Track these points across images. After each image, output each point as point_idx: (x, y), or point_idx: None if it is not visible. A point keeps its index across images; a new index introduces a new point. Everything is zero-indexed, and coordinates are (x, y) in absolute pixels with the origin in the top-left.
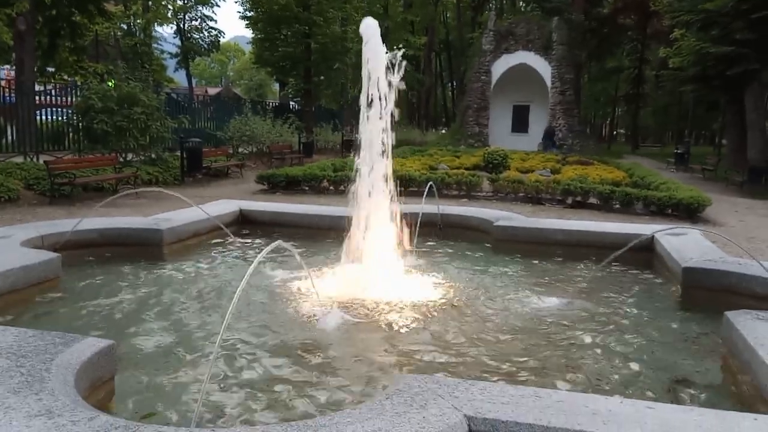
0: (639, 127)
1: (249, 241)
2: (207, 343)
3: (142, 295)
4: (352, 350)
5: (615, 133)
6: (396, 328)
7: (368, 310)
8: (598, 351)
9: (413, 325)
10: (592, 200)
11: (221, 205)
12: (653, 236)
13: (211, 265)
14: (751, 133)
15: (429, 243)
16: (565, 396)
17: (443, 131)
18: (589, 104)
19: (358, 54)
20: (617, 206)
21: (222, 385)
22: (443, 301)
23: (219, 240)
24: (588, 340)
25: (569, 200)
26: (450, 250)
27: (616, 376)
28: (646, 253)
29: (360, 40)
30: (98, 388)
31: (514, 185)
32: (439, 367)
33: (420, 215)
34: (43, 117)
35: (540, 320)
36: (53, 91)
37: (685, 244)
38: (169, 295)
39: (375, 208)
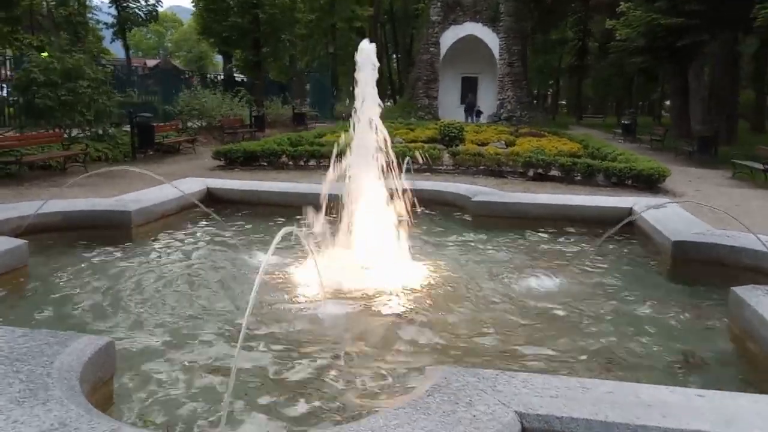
0: (582, 98)
1: (220, 221)
2: (195, 334)
3: (117, 283)
4: (358, 341)
5: (557, 104)
6: (397, 315)
7: (362, 297)
8: (607, 330)
9: (415, 312)
10: (554, 172)
11: (187, 184)
12: (632, 209)
13: (184, 248)
14: (693, 102)
15: (408, 219)
16: (612, 386)
17: (389, 104)
18: (534, 76)
19: (307, 25)
20: (578, 178)
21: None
22: (435, 283)
23: (189, 220)
24: (591, 319)
25: (531, 173)
26: (430, 228)
27: (636, 357)
28: (626, 226)
29: (309, 10)
30: (99, 389)
31: (475, 158)
32: (455, 355)
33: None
34: None
35: (541, 301)
36: None
37: (669, 217)
38: (146, 283)
39: (358, 187)
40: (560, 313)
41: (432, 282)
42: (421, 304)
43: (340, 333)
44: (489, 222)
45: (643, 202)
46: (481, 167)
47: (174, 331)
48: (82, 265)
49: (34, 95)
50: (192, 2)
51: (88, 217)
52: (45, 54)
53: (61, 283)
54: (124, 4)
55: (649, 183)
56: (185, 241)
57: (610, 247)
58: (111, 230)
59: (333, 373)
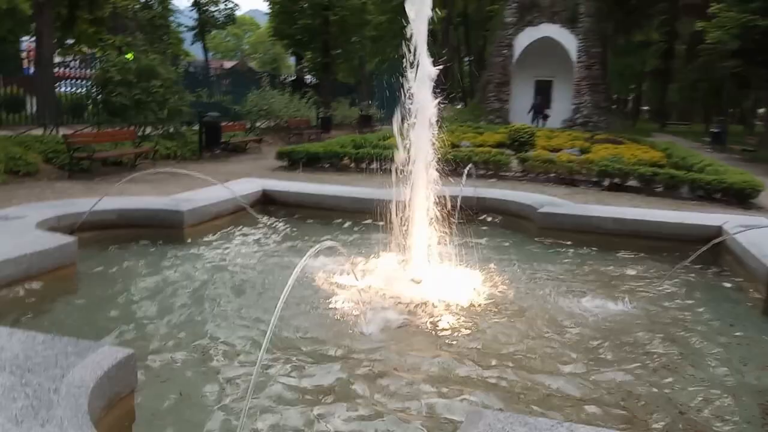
0: (666, 104)
1: (274, 224)
2: (239, 347)
3: (163, 286)
4: (402, 362)
5: (638, 109)
6: (446, 333)
7: (412, 310)
8: (678, 369)
9: (464, 330)
10: (632, 183)
11: (244, 185)
12: (722, 228)
13: (236, 252)
14: None
15: (467, 230)
16: None
17: (459, 107)
18: (613, 80)
19: (377, 27)
20: (659, 190)
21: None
22: (491, 301)
23: (242, 222)
24: (662, 353)
25: (606, 182)
26: (490, 239)
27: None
28: (714, 248)
29: (380, 12)
30: (115, 405)
31: (546, 165)
32: (505, 388)
33: (459, 199)
34: (63, 89)
35: (605, 329)
36: (73, 63)
37: (766, 240)
38: (192, 286)
39: (416, 192)
40: (627, 349)
41: (486, 301)
42: (472, 325)
43: (376, 353)
44: (556, 236)
45: (735, 220)
46: (552, 175)
47: (206, 342)
48: (130, 266)
49: (111, 94)
50: (267, 5)
51: (142, 215)
52: (130, 55)
53: (105, 284)
54: (205, 8)
55: (741, 198)
56: (235, 244)
57: (694, 270)
58: (163, 230)
59: (352, 409)
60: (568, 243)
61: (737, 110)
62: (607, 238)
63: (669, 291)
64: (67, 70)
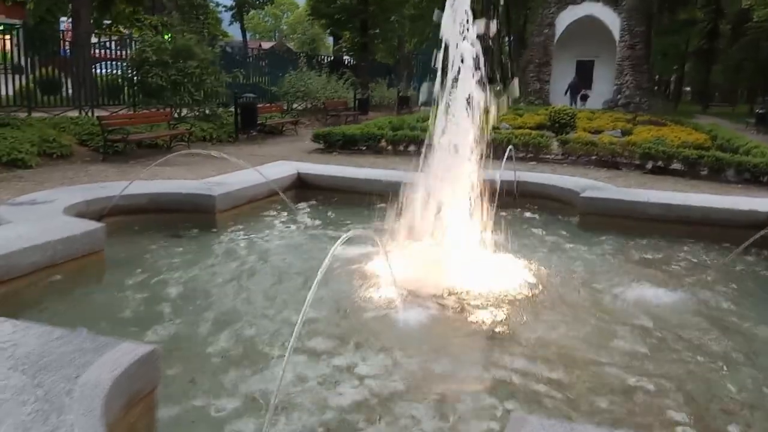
0: (709, 85)
1: (308, 209)
2: (269, 344)
3: (193, 275)
4: (441, 359)
5: (681, 91)
6: (488, 328)
7: (452, 302)
8: (743, 369)
9: (508, 324)
10: (675, 166)
11: (278, 167)
12: None
13: (269, 239)
14: None
15: (508, 214)
16: None
17: (498, 88)
18: (656, 60)
19: (416, 6)
20: (704, 173)
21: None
22: (534, 291)
23: (277, 207)
24: (721, 351)
25: (649, 165)
26: (531, 224)
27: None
28: (755, 230)
29: None
30: (135, 404)
31: (587, 147)
32: (552, 391)
33: (498, 183)
34: (100, 71)
35: (662, 322)
36: (109, 44)
37: None
38: (223, 276)
39: (452, 176)
40: (678, 344)
41: (529, 291)
42: (514, 318)
43: (412, 349)
44: (599, 221)
45: None
46: (593, 157)
47: (235, 339)
48: (159, 253)
49: (147, 74)
50: None
51: (173, 200)
52: (168, 35)
53: (133, 273)
54: None
55: None
56: (268, 230)
57: (747, 260)
58: (196, 214)
59: (388, 411)
60: (613, 229)
61: None
62: (652, 223)
63: (719, 280)
64: (105, 51)
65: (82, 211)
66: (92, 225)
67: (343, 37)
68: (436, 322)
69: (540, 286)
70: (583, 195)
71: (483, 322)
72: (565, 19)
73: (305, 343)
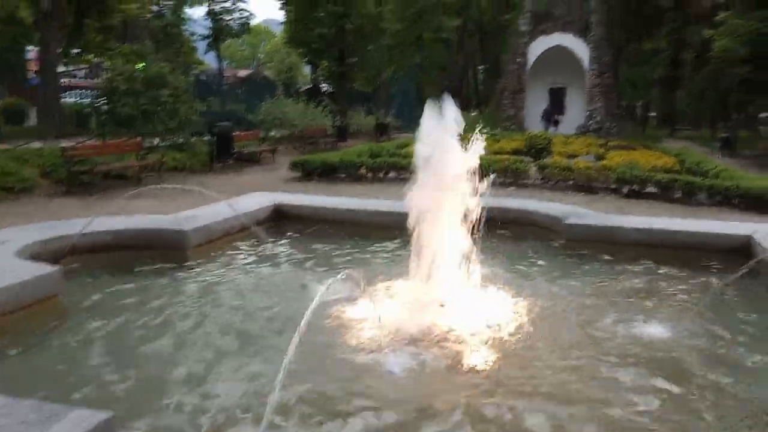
0: (674, 110)
1: (287, 242)
2: (242, 405)
3: (159, 322)
4: (429, 406)
5: (647, 116)
6: (475, 369)
7: (443, 345)
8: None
9: (495, 364)
10: (650, 189)
11: (254, 199)
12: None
13: (244, 278)
14: None
15: (492, 243)
16: None
17: (474, 114)
18: (624, 87)
19: (393, 35)
20: (678, 196)
21: None
22: (521, 327)
23: (253, 241)
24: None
25: (624, 189)
26: (516, 253)
27: None
28: (736, 254)
29: (396, 20)
30: None
31: (565, 173)
32: None
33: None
34: (69, 99)
35: (662, 358)
36: (80, 73)
37: None
38: (194, 321)
39: (437, 205)
40: (674, 386)
41: (517, 326)
42: (502, 357)
43: (398, 401)
44: (583, 247)
45: (764, 229)
46: (570, 182)
47: (203, 401)
48: (124, 296)
49: (117, 103)
50: (283, 14)
51: (141, 236)
52: (141, 64)
53: (92, 321)
54: (219, 17)
55: (760, 203)
56: (243, 269)
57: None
58: (166, 252)
59: None
60: (599, 256)
61: (742, 116)
62: (634, 248)
63: (710, 305)
64: (75, 79)
65: (37, 252)
66: (45, 268)
67: (320, 66)
68: (422, 370)
69: (524, 320)
70: (566, 222)
71: (463, 361)
72: (537, 48)
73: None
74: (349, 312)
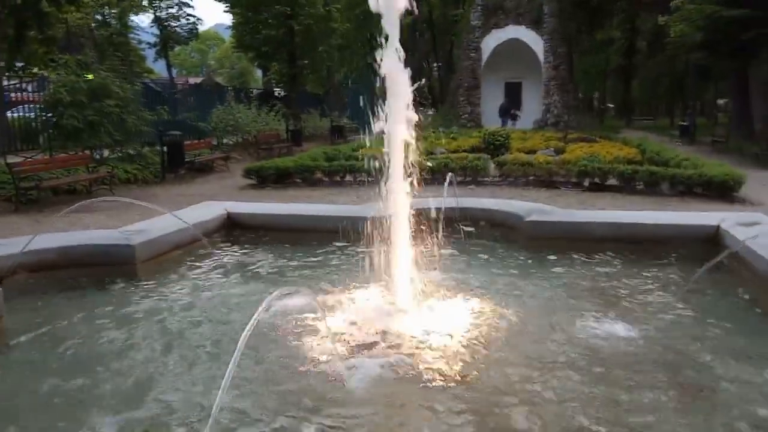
0: (630, 100)
1: (239, 252)
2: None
3: (102, 346)
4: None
5: (604, 107)
6: (436, 380)
7: (402, 353)
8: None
9: (458, 374)
10: (611, 181)
11: (205, 209)
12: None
13: (194, 292)
14: (756, 101)
15: (452, 244)
16: None
17: (430, 113)
18: (580, 79)
19: (343, 35)
20: (640, 187)
21: None
22: (484, 332)
23: (204, 253)
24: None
25: (586, 182)
26: (476, 253)
27: None
28: (706, 245)
29: (345, 20)
30: None
31: (524, 168)
32: None
33: (442, 212)
34: (17, 114)
35: (621, 358)
36: (24, 86)
37: None
38: (141, 340)
39: (392, 206)
40: (646, 391)
41: (479, 332)
42: (465, 366)
43: (357, 414)
44: (546, 245)
45: (731, 217)
46: (531, 178)
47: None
48: (68, 318)
49: (62, 116)
50: (231, 18)
51: (86, 252)
52: (90, 75)
53: (34, 346)
54: (166, 24)
55: (723, 191)
56: (194, 282)
57: (702, 278)
58: (113, 267)
59: None
60: (561, 253)
61: (698, 103)
62: (601, 244)
63: (678, 302)
64: (21, 93)
65: None
66: None
67: (271, 69)
68: (381, 380)
69: (486, 325)
70: (528, 219)
71: (423, 372)
72: (491, 42)
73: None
74: (301, 322)
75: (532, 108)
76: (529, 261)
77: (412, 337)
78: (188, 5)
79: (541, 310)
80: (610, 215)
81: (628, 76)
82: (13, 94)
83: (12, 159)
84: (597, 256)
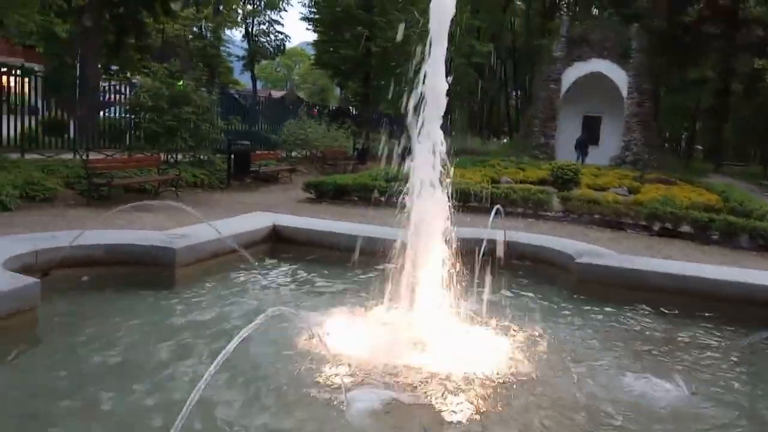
0: (721, 143)
1: (279, 265)
2: None
3: (130, 344)
4: None
5: (692, 149)
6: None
7: (415, 388)
8: None
9: (476, 422)
10: (685, 228)
11: (253, 219)
12: None
13: (228, 301)
14: None
15: (491, 280)
16: None
17: (505, 141)
18: (666, 117)
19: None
20: (715, 237)
21: None
22: (513, 378)
23: (238, 263)
24: None
25: (656, 227)
26: (520, 293)
27: None
28: None
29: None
30: None
31: (590, 206)
32: None
33: (484, 243)
34: (108, 114)
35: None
36: (118, 89)
37: None
38: (165, 345)
39: (428, 233)
40: None
41: (507, 377)
42: (486, 414)
43: None
44: (597, 291)
45: None
46: (596, 216)
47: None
48: (103, 314)
49: (143, 119)
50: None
51: (131, 252)
52: (181, 83)
53: (67, 338)
54: (256, 39)
55: None
56: (230, 292)
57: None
58: (154, 268)
59: None
60: (611, 300)
61: None
62: (656, 295)
63: (736, 368)
64: (116, 96)
65: (29, 263)
66: (23, 280)
67: (346, 88)
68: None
69: (517, 370)
70: (578, 260)
71: (440, 412)
72: (572, 74)
73: None
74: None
75: (610, 144)
76: (573, 304)
77: (427, 370)
78: (278, 22)
79: (576, 358)
80: (667, 265)
81: (721, 117)
82: (107, 96)
83: (95, 156)
84: (646, 308)
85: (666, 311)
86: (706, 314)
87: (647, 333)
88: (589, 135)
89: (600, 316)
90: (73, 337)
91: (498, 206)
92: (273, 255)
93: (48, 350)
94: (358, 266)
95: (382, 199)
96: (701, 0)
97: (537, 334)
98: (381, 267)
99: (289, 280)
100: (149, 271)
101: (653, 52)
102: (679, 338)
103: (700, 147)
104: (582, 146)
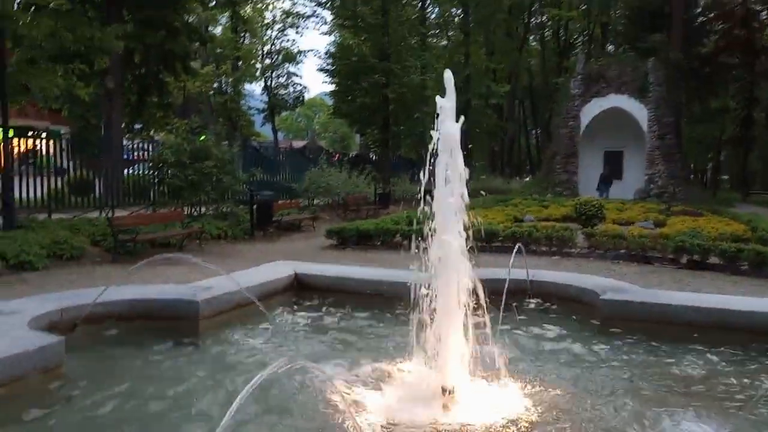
0: (747, 172)
1: (292, 314)
2: None
3: (157, 398)
4: None
5: (718, 179)
6: None
7: None
8: None
9: None
10: (713, 259)
11: (273, 269)
12: None
13: (249, 352)
14: None
15: (516, 321)
16: None
17: (527, 179)
18: (689, 148)
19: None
20: (745, 268)
21: None
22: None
23: (266, 314)
24: None
25: (684, 259)
26: (544, 333)
27: None
28: None
29: (439, 88)
30: None
31: (615, 241)
32: None
33: (507, 283)
34: (133, 172)
35: None
36: (142, 147)
37: None
38: (187, 400)
39: (448, 277)
40: None
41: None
42: None
43: None
44: (623, 327)
45: None
46: (622, 251)
47: None
48: (125, 370)
49: (166, 175)
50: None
51: (153, 306)
52: (203, 138)
53: (89, 396)
54: (275, 91)
55: None
56: (252, 343)
57: None
58: (177, 321)
59: None
60: (639, 336)
61: None
62: (686, 330)
63: None
64: (140, 153)
65: (54, 321)
66: (48, 339)
67: (365, 134)
68: None
69: (547, 421)
70: (603, 297)
71: None
72: (591, 111)
73: None
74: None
75: (634, 178)
76: (599, 342)
77: (452, 426)
78: (296, 74)
79: (603, 399)
80: (695, 298)
81: (746, 147)
82: (133, 154)
83: (120, 213)
84: (678, 344)
85: (693, 345)
86: (736, 347)
87: (680, 369)
88: (612, 170)
89: (630, 353)
90: (100, 394)
91: (519, 245)
92: (298, 302)
93: (76, 406)
94: (379, 308)
95: (405, 242)
96: (717, 31)
97: (566, 377)
98: (402, 313)
99: (312, 329)
100: (173, 325)
101: (672, 85)
102: (710, 374)
103: (726, 177)
104: (606, 181)
